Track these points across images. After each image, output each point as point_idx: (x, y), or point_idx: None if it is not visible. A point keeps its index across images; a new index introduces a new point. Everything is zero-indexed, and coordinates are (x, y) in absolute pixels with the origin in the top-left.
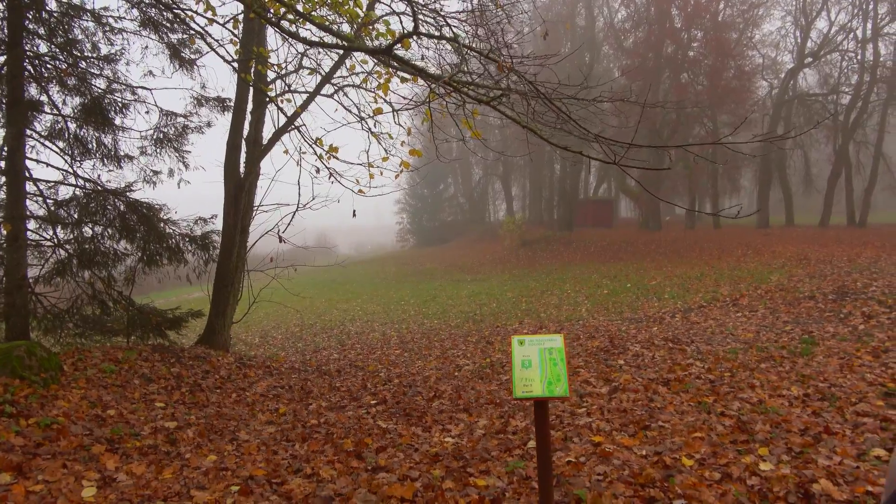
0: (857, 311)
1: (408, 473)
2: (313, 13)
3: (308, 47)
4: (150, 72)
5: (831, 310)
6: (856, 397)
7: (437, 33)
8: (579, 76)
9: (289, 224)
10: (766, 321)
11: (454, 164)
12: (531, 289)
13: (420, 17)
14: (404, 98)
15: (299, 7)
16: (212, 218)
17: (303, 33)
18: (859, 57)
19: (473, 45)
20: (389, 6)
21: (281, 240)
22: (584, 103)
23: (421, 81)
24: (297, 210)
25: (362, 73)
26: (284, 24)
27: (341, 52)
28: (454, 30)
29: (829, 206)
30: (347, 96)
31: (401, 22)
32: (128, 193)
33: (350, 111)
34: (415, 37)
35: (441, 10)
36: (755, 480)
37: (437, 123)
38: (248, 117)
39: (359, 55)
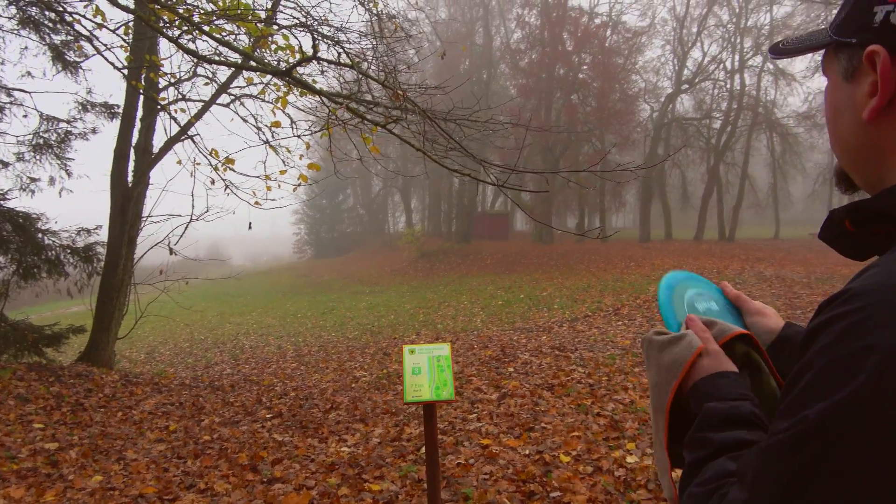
0: None
1: (304, 483)
2: (212, 23)
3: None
4: (29, 73)
5: None
6: None
7: (336, 59)
8: (477, 94)
9: (181, 235)
10: (642, 329)
11: (354, 175)
12: (429, 300)
13: (319, 41)
14: (302, 109)
15: (197, 15)
16: (96, 229)
17: (200, 45)
18: (728, 85)
19: (371, 73)
20: (292, 22)
21: (171, 251)
22: (480, 124)
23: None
24: (190, 221)
25: (260, 84)
26: (178, 33)
27: (243, 69)
28: (352, 57)
29: (703, 222)
30: (244, 106)
31: (300, 42)
32: (1, 202)
33: (247, 121)
34: (315, 61)
35: (340, 38)
36: (622, 472)
37: (336, 137)
38: (138, 125)
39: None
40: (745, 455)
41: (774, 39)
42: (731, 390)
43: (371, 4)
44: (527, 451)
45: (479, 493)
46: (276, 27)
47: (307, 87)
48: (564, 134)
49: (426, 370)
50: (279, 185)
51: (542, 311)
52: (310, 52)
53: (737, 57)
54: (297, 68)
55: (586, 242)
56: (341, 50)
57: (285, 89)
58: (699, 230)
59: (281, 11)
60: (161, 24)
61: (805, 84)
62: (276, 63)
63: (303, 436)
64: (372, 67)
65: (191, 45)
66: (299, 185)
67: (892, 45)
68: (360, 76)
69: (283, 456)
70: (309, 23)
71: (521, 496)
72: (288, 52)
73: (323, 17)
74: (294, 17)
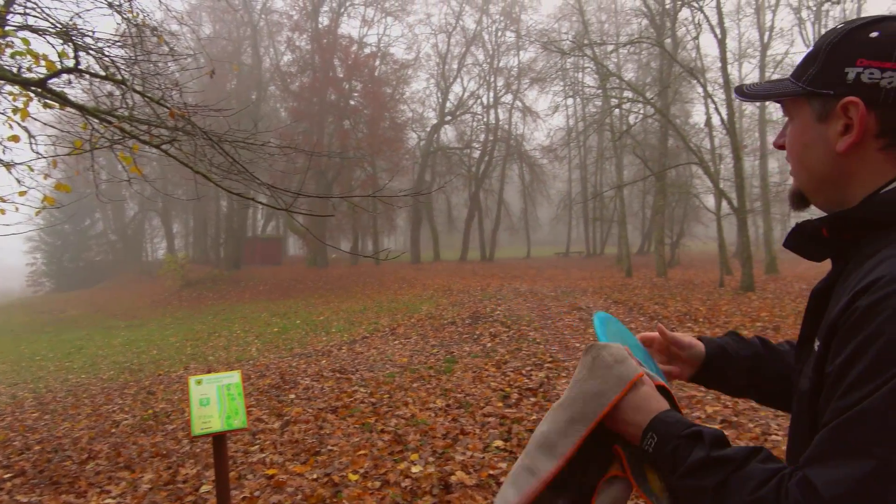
0: (486, 332)
1: None
2: None
3: None
4: None
5: (468, 332)
6: (483, 402)
7: (98, 72)
8: (247, 117)
9: None
10: (417, 346)
11: (104, 197)
12: (197, 332)
13: (82, 51)
14: (46, 123)
15: None
16: None
17: None
18: (485, 119)
19: (143, 90)
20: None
21: None
22: (257, 147)
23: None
24: None
25: None
26: None
27: None
28: (121, 72)
29: (467, 244)
30: None
31: (57, 49)
32: None
33: None
34: (75, 74)
35: (106, 51)
36: (408, 482)
37: (81, 156)
38: None
39: None
40: (822, 439)
41: (521, 80)
42: (687, 421)
43: (130, 14)
44: (315, 475)
45: None
46: (11, 28)
47: (68, 103)
48: (337, 159)
49: (215, 400)
50: (17, 209)
51: (321, 335)
52: (69, 62)
53: (491, 94)
54: (53, 79)
55: (361, 265)
56: (110, 62)
57: (24, 99)
58: (464, 251)
59: (16, 13)
60: None
61: (547, 121)
62: (14, 70)
63: (55, 493)
64: (136, 83)
65: None
66: (44, 207)
67: (866, 97)
68: (125, 91)
69: None
70: (70, 31)
71: None
72: (30, 57)
73: (72, 24)
74: (40, 20)
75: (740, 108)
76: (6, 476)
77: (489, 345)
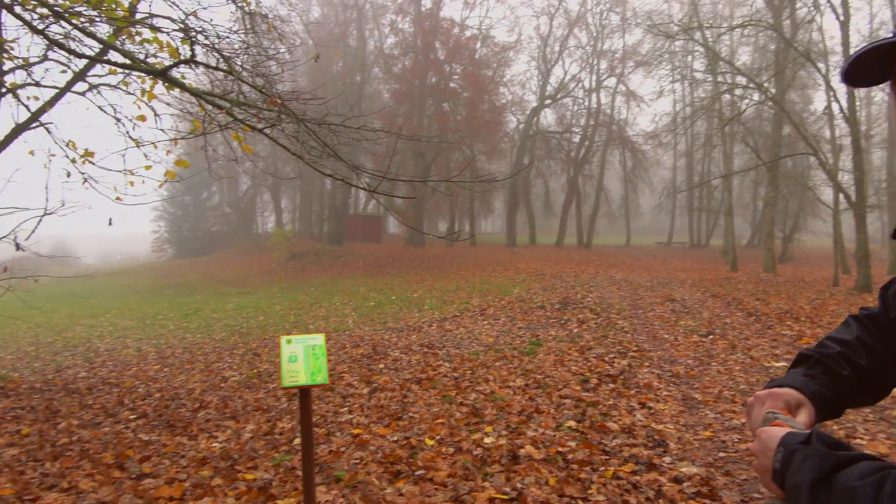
0: (574, 318)
1: (175, 476)
2: (70, 9)
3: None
4: None
5: (555, 317)
6: (562, 385)
7: (212, 62)
8: (350, 97)
9: (34, 230)
10: (505, 327)
11: (221, 173)
12: (300, 301)
13: (196, 43)
14: (168, 104)
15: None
16: None
17: (56, 29)
18: (586, 103)
19: (245, 77)
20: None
21: (18, 247)
22: (353, 130)
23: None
24: (44, 215)
25: (122, 73)
26: (34, 17)
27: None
28: (230, 62)
29: (564, 229)
30: (102, 95)
31: (177, 45)
32: None
33: (105, 111)
34: (192, 64)
35: (218, 45)
36: (479, 451)
37: (201, 133)
38: None
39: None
40: None
41: (626, 63)
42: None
43: (243, 3)
44: (395, 438)
45: (350, 475)
46: (146, 27)
47: (185, 89)
48: (436, 141)
49: (302, 358)
50: (143, 181)
51: (413, 311)
52: (186, 53)
53: (594, 77)
54: (172, 69)
55: (457, 246)
56: (219, 56)
57: (151, 81)
58: (560, 236)
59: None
60: (11, 3)
61: (652, 106)
62: (142, 56)
63: (171, 434)
64: (246, 68)
65: (51, 33)
66: (166, 181)
67: None
68: (235, 79)
69: (151, 454)
70: (188, 29)
71: (389, 475)
72: (155, 44)
73: (192, 11)
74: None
75: (868, 95)
76: (131, 417)
77: (575, 330)
